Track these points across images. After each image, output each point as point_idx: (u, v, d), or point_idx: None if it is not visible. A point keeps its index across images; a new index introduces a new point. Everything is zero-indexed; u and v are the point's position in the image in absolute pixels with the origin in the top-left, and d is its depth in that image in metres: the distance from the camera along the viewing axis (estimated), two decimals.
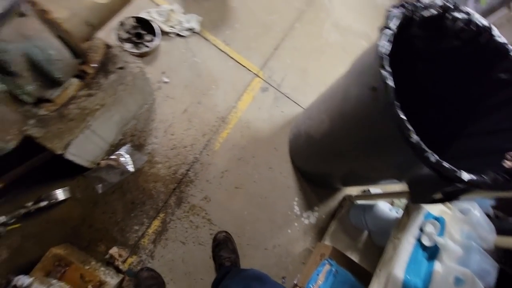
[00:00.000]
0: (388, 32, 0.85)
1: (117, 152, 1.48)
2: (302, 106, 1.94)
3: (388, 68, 0.81)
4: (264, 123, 1.82)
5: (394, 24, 0.87)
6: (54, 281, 1.09)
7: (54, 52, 0.85)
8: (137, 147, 1.54)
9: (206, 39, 1.89)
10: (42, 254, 1.21)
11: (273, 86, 1.93)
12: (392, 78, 0.80)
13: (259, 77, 1.92)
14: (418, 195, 1.00)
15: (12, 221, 1.19)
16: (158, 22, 1.72)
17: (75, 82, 1.14)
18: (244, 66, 1.92)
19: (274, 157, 1.76)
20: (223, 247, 1.47)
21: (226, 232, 1.51)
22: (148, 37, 1.70)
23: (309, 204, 1.72)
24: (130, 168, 1.49)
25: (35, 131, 1.07)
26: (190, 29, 1.82)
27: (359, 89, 0.97)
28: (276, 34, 2.11)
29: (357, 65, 1.02)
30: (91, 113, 1.16)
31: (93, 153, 1.35)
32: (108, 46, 1.26)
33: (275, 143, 1.79)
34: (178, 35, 1.80)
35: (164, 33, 1.76)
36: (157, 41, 1.67)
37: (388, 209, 1.50)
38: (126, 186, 1.48)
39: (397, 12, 0.90)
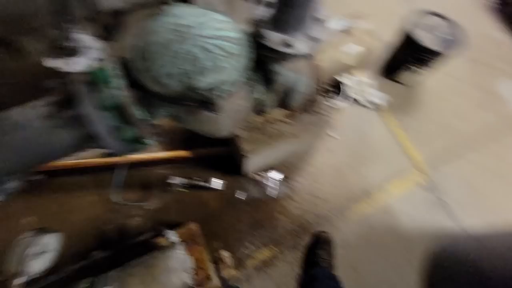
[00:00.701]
0: None
1: (268, 174, 1.64)
2: (461, 225, 1.66)
3: None
4: (408, 219, 1.65)
5: None
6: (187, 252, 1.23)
7: (305, 88, 1.05)
8: (285, 178, 1.66)
9: (383, 117, 1.95)
10: (179, 221, 1.41)
11: (433, 189, 1.76)
12: None
13: (421, 172, 1.80)
14: None
15: (185, 185, 1.46)
16: (351, 89, 1.90)
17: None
18: (408, 155, 1.84)
19: (405, 263, 1.53)
20: (323, 247, 1.38)
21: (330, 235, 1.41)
22: (335, 96, 1.90)
23: None
24: (271, 192, 1.61)
25: (240, 131, 1.32)
26: (374, 104, 1.93)
27: None
28: (455, 139, 1.96)
29: None
30: (282, 137, 1.34)
31: (256, 165, 1.54)
32: None
33: (412, 250, 1.56)
34: (361, 104, 1.94)
35: (351, 98, 1.92)
36: (344, 103, 1.83)
37: None
38: (259, 205, 1.60)
39: None
